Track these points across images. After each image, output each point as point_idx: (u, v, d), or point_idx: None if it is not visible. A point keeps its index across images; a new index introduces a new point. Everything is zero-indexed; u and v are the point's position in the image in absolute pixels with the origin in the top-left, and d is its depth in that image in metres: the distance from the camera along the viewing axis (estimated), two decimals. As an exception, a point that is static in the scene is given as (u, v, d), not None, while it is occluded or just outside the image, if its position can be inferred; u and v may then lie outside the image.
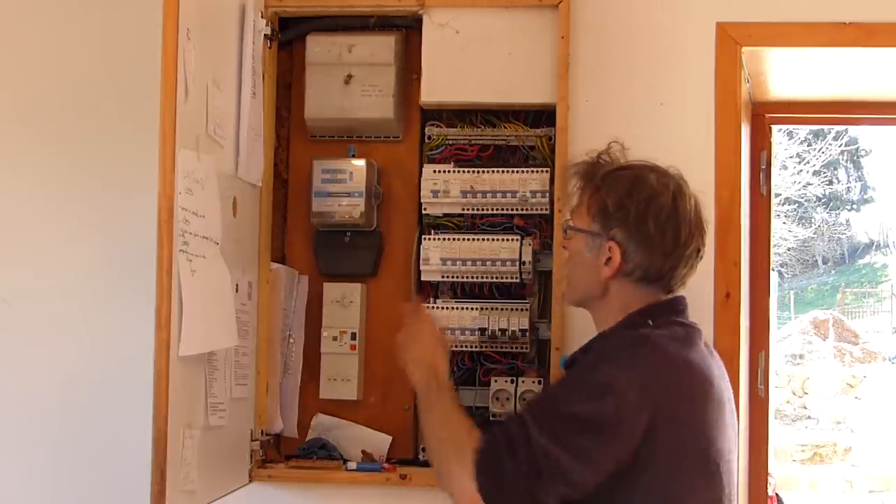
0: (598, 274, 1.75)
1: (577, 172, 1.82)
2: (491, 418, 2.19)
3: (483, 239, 2.22)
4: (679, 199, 1.74)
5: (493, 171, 2.23)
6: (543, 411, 1.63)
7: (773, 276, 2.90)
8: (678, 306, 1.78)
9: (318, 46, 2.28)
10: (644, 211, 1.71)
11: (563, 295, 2.07)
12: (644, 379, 1.61)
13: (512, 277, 2.21)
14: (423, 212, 2.27)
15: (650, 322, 1.72)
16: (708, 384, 1.69)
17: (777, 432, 9.15)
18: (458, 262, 2.22)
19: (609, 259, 1.73)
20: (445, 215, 2.27)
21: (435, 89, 2.25)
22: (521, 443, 1.58)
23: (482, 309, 2.21)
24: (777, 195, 3.98)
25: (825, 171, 20.14)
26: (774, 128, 2.66)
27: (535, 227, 2.25)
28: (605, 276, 1.74)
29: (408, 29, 2.30)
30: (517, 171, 2.22)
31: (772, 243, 2.63)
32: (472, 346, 2.21)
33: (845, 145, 20.07)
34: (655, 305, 1.75)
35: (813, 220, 21.92)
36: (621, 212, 1.72)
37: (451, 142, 2.29)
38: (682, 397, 1.64)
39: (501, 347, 2.21)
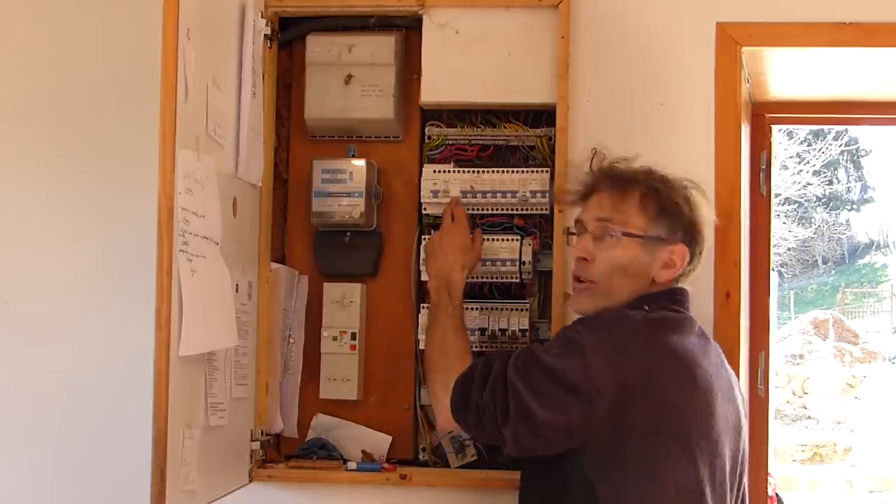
0: (650, 279, 1.77)
1: (607, 176, 1.84)
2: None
3: (483, 239, 2.22)
4: (701, 202, 1.84)
5: (493, 171, 2.23)
6: (524, 356, 1.73)
7: (773, 276, 2.90)
8: (677, 295, 1.80)
9: (318, 46, 2.28)
10: (694, 216, 1.78)
11: (566, 298, 2.08)
12: (610, 351, 1.65)
13: (512, 277, 2.21)
14: (423, 212, 2.27)
15: (646, 308, 1.75)
16: (692, 368, 1.70)
17: (777, 432, 9.16)
18: (458, 262, 2.21)
19: (669, 263, 1.77)
20: (445, 215, 2.27)
21: (435, 89, 2.25)
22: (498, 378, 1.71)
23: (482, 309, 2.21)
24: (777, 195, 3.97)
25: (825, 171, 20.16)
26: (774, 128, 2.66)
27: (535, 227, 2.25)
28: (662, 281, 1.78)
29: (408, 29, 2.30)
30: (517, 171, 2.22)
31: (772, 243, 2.63)
32: (472, 346, 2.21)
33: (845, 145, 20.08)
34: (654, 293, 1.78)
35: (813, 220, 21.93)
36: (680, 218, 1.77)
37: (451, 142, 2.29)
38: (654, 375, 1.66)
39: (501, 347, 2.21)
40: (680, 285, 1.83)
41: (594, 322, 1.75)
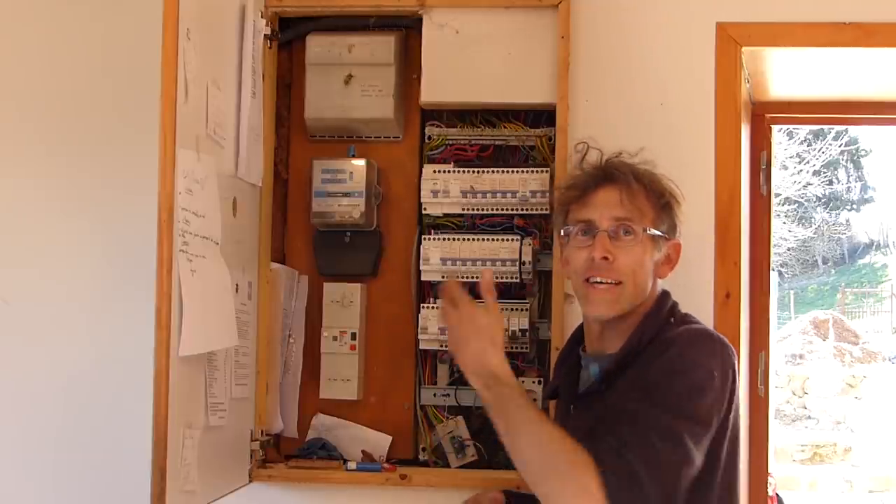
0: (652, 275, 1.76)
1: (617, 171, 1.77)
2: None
3: (483, 239, 2.22)
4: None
5: (493, 171, 2.23)
6: (652, 400, 1.55)
7: (773, 276, 2.90)
8: (670, 297, 1.81)
9: (318, 46, 2.28)
10: (679, 207, 1.79)
11: (566, 299, 2.09)
12: (722, 363, 1.64)
13: (512, 277, 2.21)
14: (423, 212, 2.27)
15: (672, 320, 1.75)
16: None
17: (777, 432, 9.15)
18: (458, 262, 2.22)
19: (667, 259, 1.78)
20: (445, 215, 2.27)
21: (435, 89, 2.25)
22: (658, 434, 1.52)
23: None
24: (777, 195, 3.97)
25: (825, 171, 20.15)
26: (774, 128, 2.66)
27: (535, 227, 2.25)
28: (662, 277, 1.78)
29: (408, 29, 2.30)
30: (517, 171, 2.22)
31: (772, 243, 2.63)
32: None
33: (845, 145, 20.07)
34: (666, 304, 1.77)
35: (813, 220, 21.92)
36: (671, 212, 1.77)
37: (451, 142, 2.29)
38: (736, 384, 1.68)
39: (501, 347, 2.21)
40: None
41: (691, 343, 1.67)
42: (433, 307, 2.23)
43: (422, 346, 2.25)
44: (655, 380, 1.59)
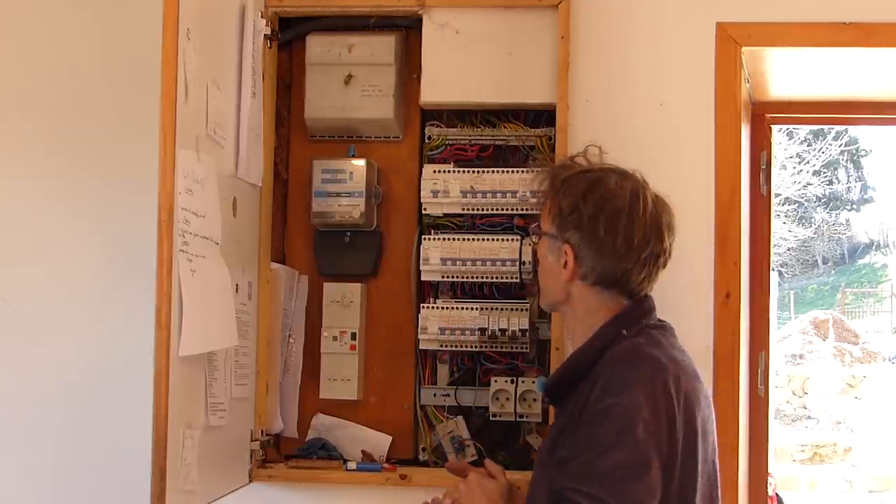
0: (559, 277, 1.75)
1: (545, 174, 1.82)
2: (491, 418, 2.19)
3: (483, 239, 2.22)
4: (635, 202, 1.71)
5: (493, 171, 2.23)
6: (582, 479, 1.57)
7: (773, 276, 2.90)
8: (645, 308, 1.75)
9: (318, 46, 2.28)
10: (596, 214, 1.70)
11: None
12: (654, 396, 1.60)
13: (512, 277, 2.21)
14: (423, 212, 2.27)
15: (624, 332, 1.70)
16: (697, 381, 1.70)
17: (777, 432, 9.15)
18: (458, 262, 2.22)
19: (566, 262, 1.73)
20: (445, 215, 2.27)
21: (435, 89, 2.25)
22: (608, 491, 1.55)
23: (482, 309, 2.21)
24: (777, 195, 3.98)
25: (825, 171, 20.15)
26: (774, 128, 2.66)
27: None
28: (563, 280, 1.74)
29: (408, 29, 2.30)
30: (517, 171, 2.22)
31: (772, 243, 2.63)
32: (472, 346, 2.21)
33: (845, 145, 20.07)
34: (624, 313, 1.73)
35: (813, 220, 21.92)
36: (575, 214, 1.72)
37: (451, 142, 2.29)
38: (683, 403, 1.63)
39: (501, 347, 2.21)
40: (643, 294, 1.77)
41: (614, 383, 1.64)
42: (433, 307, 2.23)
43: (422, 346, 2.25)
44: (587, 424, 1.62)
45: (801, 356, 13.48)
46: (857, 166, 23.13)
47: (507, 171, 2.23)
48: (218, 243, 1.93)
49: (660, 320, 1.77)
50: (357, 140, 2.31)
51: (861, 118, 2.74)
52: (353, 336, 2.27)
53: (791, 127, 11.70)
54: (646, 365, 1.64)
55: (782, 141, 16.36)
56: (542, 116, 2.26)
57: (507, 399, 2.19)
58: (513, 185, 2.22)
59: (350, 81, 2.27)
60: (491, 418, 2.20)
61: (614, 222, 1.70)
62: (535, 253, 1.93)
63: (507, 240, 2.21)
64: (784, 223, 19.16)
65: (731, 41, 2.22)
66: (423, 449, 2.28)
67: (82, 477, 2.30)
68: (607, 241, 1.70)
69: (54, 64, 2.35)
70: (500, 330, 2.19)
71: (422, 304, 2.24)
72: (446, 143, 2.29)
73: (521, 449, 2.24)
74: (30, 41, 2.36)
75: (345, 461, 2.24)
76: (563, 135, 2.16)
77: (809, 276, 23.44)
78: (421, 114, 2.31)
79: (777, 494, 3.22)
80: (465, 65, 2.22)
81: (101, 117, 2.33)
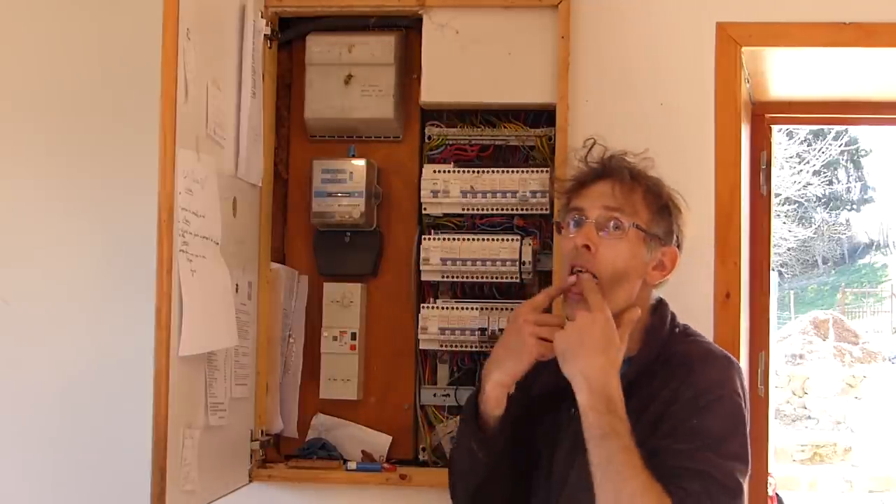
0: (640, 278, 1.67)
1: (615, 166, 1.71)
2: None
3: (483, 239, 2.22)
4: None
5: (493, 171, 2.23)
6: (710, 447, 1.54)
7: (773, 276, 2.90)
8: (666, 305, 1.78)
9: (318, 46, 2.28)
10: (682, 217, 1.73)
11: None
12: (741, 383, 1.64)
13: (512, 277, 2.21)
14: (423, 212, 2.27)
15: (676, 330, 1.72)
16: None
17: (777, 432, 9.15)
18: (458, 262, 2.21)
19: (660, 265, 1.69)
20: (445, 215, 2.27)
21: (435, 89, 2.25)
22: (724, 489, 1.54)
23: (482, 309, 2.21)
24: (777, 195, 3.97)
25: (825, 171, 20.15)
26: (774, 128, 2.66)
27: (535, 227, 2.25)
28: (651, 283, 1.70)
29: (408, 29, 2.30)
30: (517, 171, 2.22)
31: (772, 243, 2.63)
32: (472, 346, 2.21)
33: (845, 145, 20.08)
34: (666, 311, 1.73)
35: (813, 220, 21.92)
36: (675, 217, 1.71)
37: (451, 142, 2.29)
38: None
39: (501, 347, 2.21)
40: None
41: (705, 363, 1.64)
42: (433, 307, 2.23)
43: (422, 346, 2.25)
44: (691, 416, 1.57)
45: (801, 356, 13.48)
46: (857, 166, 23.13)
47: (507, 171, 2.23)
48: (218, 243, 1.93)
49: None
50: (357, 140, 2.31)
51: (861, 118, 2.74)
52: (353, 336, 2.27)
53: (791, 127, 11.69)
54: (731, 364, 1.67)
55: (782, 141, 16.37)
56: (542, 116, 2.26)
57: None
58: (513, 185, 2.22)
59: (350, 81, 2.27)
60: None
61: (685, 232, 1.74)
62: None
63: (507, 240, 2.21)
64: (784, 223, 19.17)
65: (731, 41, 2.22)
66: (423, 449, 2.28)
67: (82, 477, 2.30)
68: (681, 250, 1.73)
69: (54, 64, 2.35)
70: (500, 330, 2.19)
71: (422, 304, 2.24)
72: (446, 143, 2.29)
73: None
74: (30, 41, 2.36)
75: (345, 461, 2.24)
76: (563, 135, 2.16)
77: (809, 276, 23.45)
78: (421, 114, 2.31)
79: (777, 494, 3.22)
80: (464, 65, 2.22)
81: (101, 117, 2.33)
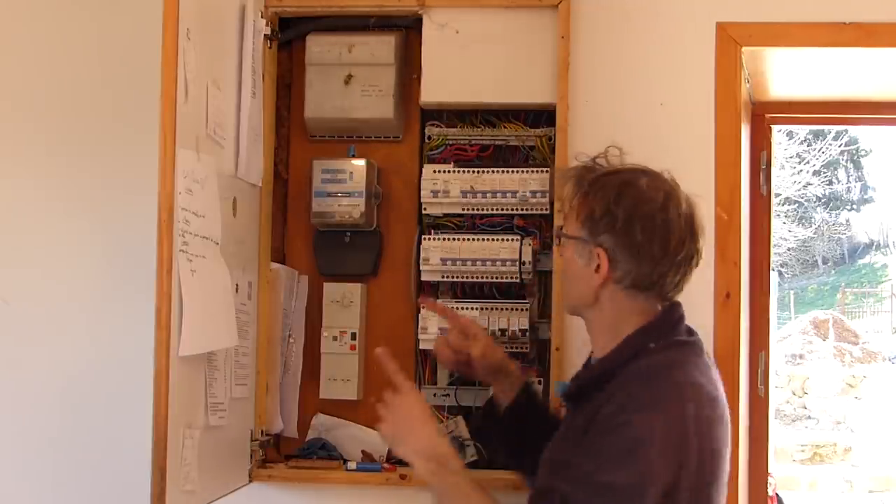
0: (589, 281, 1.71)
1: (569, 177, 1.78)
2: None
3: (483, 239, 2.22)
4: (669, 205, 1.69)
5: (493, 171, 2.23)
6: (576, 485, 1.56)
7: (773, 276, 2.90)
8: (675, 318, 1.72)
9: (318, 46, 2.28)
10: (631, 217, 1.67)
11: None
12: (667, 423, 1.57)
13: (512, 277, 2.21)
14: (423, 212, 2.27)
15: (651, 345, 1.68)
16: (721, 407, 1.66)
17: (777, 432, 9.15)
18: (458, 262, 2.21)
19: (598, 266, 1.69)
20: (445, 215, 2.27)
21: (435, 89, 2.25)
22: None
23: (482, 309, 2.21)
24: (777, 195, 3.97)
25: (825, 171, 20.16)
26: (774, 128, 2.66)
27: (535, 227, 2.25)
28: (595, 284, 1.70)
29: (408, 29, 2.30)
30: (517, 171, 2.22)
31: (772, 243, 2.63)
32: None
33: (845, 145, 20.08)
34: (653, 324, 1.70)
35: (813, 220, 21.93)
36: (608, 218, 1.67)
37: (451, 142, 2.29)
38: (706, 432, 1.60)
39: (501, 347, 2.21)
40: (675, 301, 1.73)
41: (633, 399, 1.60)
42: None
43: (422, 346, 2.25)
44: (597, 433, 1.59)
45: (801, 356, 13.49)
46: (857, 166, 23.14)
47: (507, 171, 2.23)
48: (218, 243, 1.93)
49: (690, 332, 1.74)
50: (357, 140, 2.31)
51: (861, 118, 2.74)
52: (353, 336, 2.27)
53: (791, 127, 11.70)
54: (667, 389, 1.61)
55: (782, 141, 16.37)
56: (542, 116, 2.26)
57: (507, 399, 2.19)
58: (513, 185, 2.22)
59: (350, 81, 2.27)
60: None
61: (650, 225, 1.67)
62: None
63: (507, 240, 2.21)
64: (784, 223, 19.18)
65: (731, 41, 2.22)
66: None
67: (82, 477, 2.30)
68: (644, 245, 1.67)
69: (54, 64, 2.35)
70: (500, 330, 2.19)
71: (422, 305, 2.24)
72: (446, 143, 2.29)
73: (521, 449, 2.24)
74: (29, 41, 2.36)
75: (345, 461, 2.24)
76: (563, 135, 2.16)
77: (809, 276, 23.45)
78: (421, 114, 2.31)
79: (777, 494, 3.22)
80: (464, 65, 2.22)
81: (101, 117, 2.33)
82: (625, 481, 1.53)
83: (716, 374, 1.72)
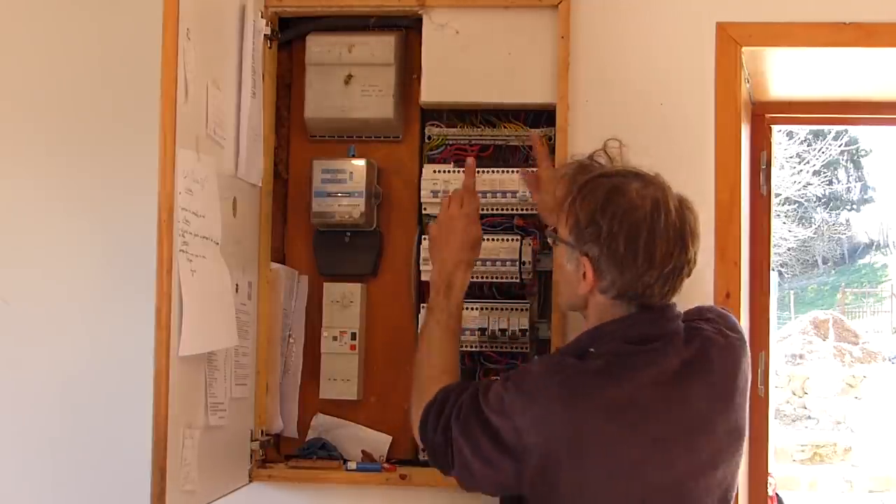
0: (577, 287, 1.71)
1: (564, 175, 1.79)
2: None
3: (483, 239, 2.21)
4: (656, 214, 1.65)
5: (493, 171, 2.23)
6: (469, 404, 1.71)
7: (773, 276, 2.90)
8: (643, 319, 1.69)
9: (318, 46, 2.28)
10: (616, 229, 1.64)
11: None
12: (537, 411, 1.62)
13: (512, 277, 2.21)
14: (423, 212, 2.27)
15: (591, 350, 1.68)
16: (631, 418, 1.63)
17: (777, 432, 9.15)
18: (458, 262, 2.21)
19: (584, 274, 1.69)
20: (445, 215, 2.27)
21: (435, 89, 2.25)
22: (447, 423, 1.73)
23: (482, 309, 2.21)
24: (777, 195, 3.97)
25: (825, 171, 20.17)
26: (774, 128, 2.66)
27: (535, 227, 2.24)
28: (583, 291, 1.71)
29: (408, 29, 2.30)
30: (517, 171, 2.22)
31: (772, 243, 2.63)
32: (472, 346, 2.21)
33: (845, 145, 20.09)
34: (602, 329, 1.70)
35: (813, 220, 21.94)
36: (593, 227, 1.66)
37: (451, 142, 2.29)
38: (581, 439, 1.60)
39: (501, 347, 2.21)
40: (657, 304, 1.69)
41: (527, 377, 1.68)
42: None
43: (422, 346, 2.25)
44: (497, 385, 1.72)
45: (801, 356, 13.49)
46: (857, 166, 23.15)
47: (507, 171, 2.23)
48: (218, 243, 1.93)
49: (645, 339, 1.68)
50: (357, 140, 2.31)
51: (861, 118, 2.74)
52: (353, 336, 2.27)
53: (791, 127, 11.71)
54: (556, 386, 1.64)
55: (782, 141, 16.38)
56: (542, 116, 2.26)
57: (507, 399, 2.19)
58: (513, 185, 2.22)
59: (350, 81, 2.27)
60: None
61: (635, 237, 1.63)
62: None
63: (507, 240, 2.21)
64: (784, 223, 19.19)
65: (731, 41, 2.22)
66: (423, 449, 2.27)
67: (82, 477, 2.30)
68: (627, 258, 1.64)
69: (54, 64, 2.35)
70: (500, 330, 2.19)
71: (422, 304, 2.24)
72: (446, 143, 2.29)
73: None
74: (29, 41, 2.36)
75: (345, 461, 2.24)
76: (563, 135, 2.16)
77: (809, 276, 23.46)
78: (421, 114, 2.31)
79: (777, 494, 3.22)
80: (464, 65, 2.22)
81: (101, 117, 2.33)
82: (495, 424, 1.66)
83: (684, 382, 1.68)
